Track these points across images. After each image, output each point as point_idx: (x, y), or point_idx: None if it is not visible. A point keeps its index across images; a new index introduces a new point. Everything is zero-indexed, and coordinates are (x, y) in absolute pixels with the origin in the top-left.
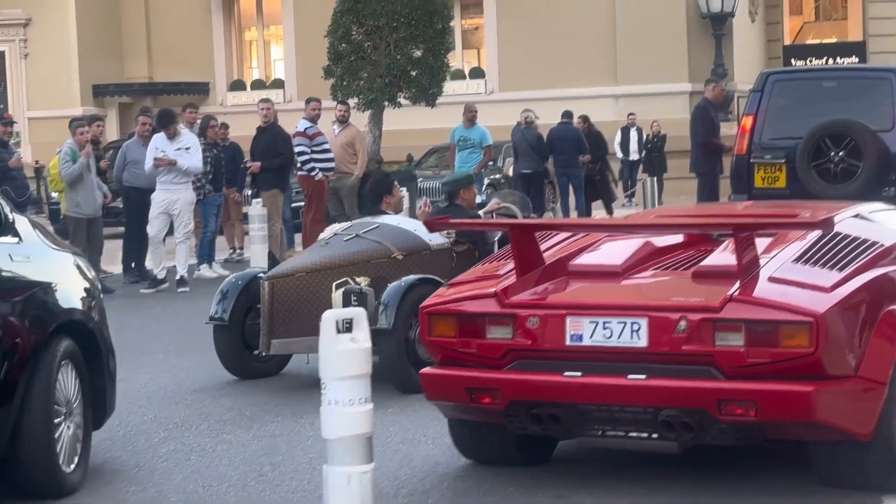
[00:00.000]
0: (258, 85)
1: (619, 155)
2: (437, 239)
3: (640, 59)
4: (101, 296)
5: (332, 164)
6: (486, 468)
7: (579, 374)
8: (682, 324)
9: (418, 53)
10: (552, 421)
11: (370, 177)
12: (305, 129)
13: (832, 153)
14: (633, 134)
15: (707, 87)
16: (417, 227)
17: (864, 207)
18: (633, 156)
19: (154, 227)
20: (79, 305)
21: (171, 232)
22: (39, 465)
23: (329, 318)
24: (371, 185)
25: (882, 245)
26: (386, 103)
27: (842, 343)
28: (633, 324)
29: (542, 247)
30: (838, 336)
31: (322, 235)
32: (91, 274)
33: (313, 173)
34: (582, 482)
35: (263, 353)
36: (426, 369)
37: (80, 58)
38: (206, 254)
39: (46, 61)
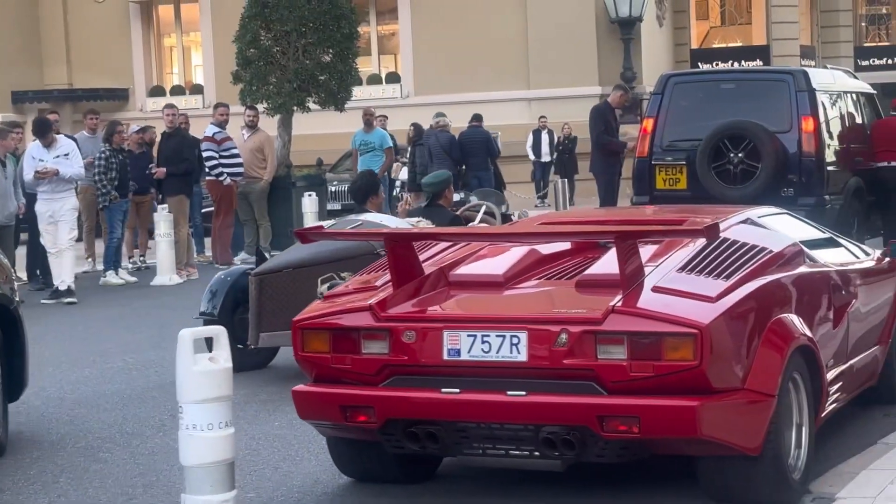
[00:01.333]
0: (177, 91)
1: (532, 157)
2: None
3: (552, 63)
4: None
5: (240, 169)
6: (365, 487)
7: (457, 390)
8: (563, 337)
9: (327, 58)
10: (430, 439)
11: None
12: (213, 134)
13: (731, 154)
14: (545, 136)
15: (613, 93)
16: (399, 225)
17: (755, 212)
18: (545, 158)
19: (48, 240)
20: (2, 290)
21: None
22: None
23: (186, 337)
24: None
25: (770, 251)
26: (295, 108)
27: (728, 355)
28: (512, 337)
29: (424, 256)
30: (724, 348)
31: None
32: (6, 262)
33: (221, 178)
34: (463, 500)
35: (252, 346)
36: (298, 387)
37: None
38: (112, 260)
39: None
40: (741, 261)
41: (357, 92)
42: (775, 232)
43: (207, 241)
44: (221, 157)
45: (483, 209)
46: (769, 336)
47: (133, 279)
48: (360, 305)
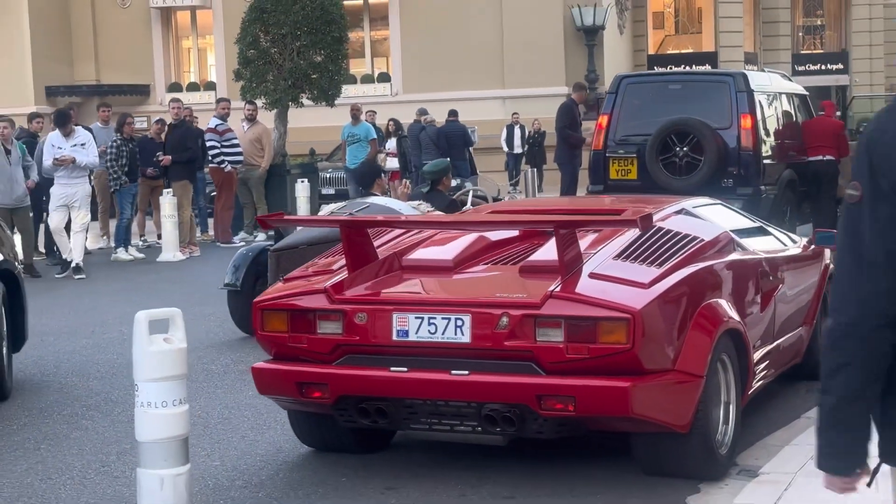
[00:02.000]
0: (193, 87)
1: (505, 149)
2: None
3: (524, 65)
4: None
5: (240, 158)
6: (323, 456)
7: (405, 369)
8: (504, 320)
9: (319, 59)
10: (379, 415)
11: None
12: (216, 125)
13: (677, 148)
14: (517, 131)
15: (575, 93)
16: (402, 208)
17: (690, 203)
18: (517, 150)
19: (55, 220)
20: (6, 256)
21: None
22: None
23: (141, 319)
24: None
25: (702, 240)
26: (290, 104)
27: (659, 338)
28: (457, 320)
29: (381, 241)
30: (656, 331)
31: (320, 213)
32: (7, 233)
33: (223, 165)
34: (414, 471)
35: None
36: (257, 364)
37: (34, 61)
38: (122, 238)
39: (2, 63)
40: (674, 249)
41: (352, 90)
42: (708, 222)
43: (210, 223)
44: (223, 146)
45: (471, 194)
46: (699, 320)
47: (141, 255)
48: (315, 288)
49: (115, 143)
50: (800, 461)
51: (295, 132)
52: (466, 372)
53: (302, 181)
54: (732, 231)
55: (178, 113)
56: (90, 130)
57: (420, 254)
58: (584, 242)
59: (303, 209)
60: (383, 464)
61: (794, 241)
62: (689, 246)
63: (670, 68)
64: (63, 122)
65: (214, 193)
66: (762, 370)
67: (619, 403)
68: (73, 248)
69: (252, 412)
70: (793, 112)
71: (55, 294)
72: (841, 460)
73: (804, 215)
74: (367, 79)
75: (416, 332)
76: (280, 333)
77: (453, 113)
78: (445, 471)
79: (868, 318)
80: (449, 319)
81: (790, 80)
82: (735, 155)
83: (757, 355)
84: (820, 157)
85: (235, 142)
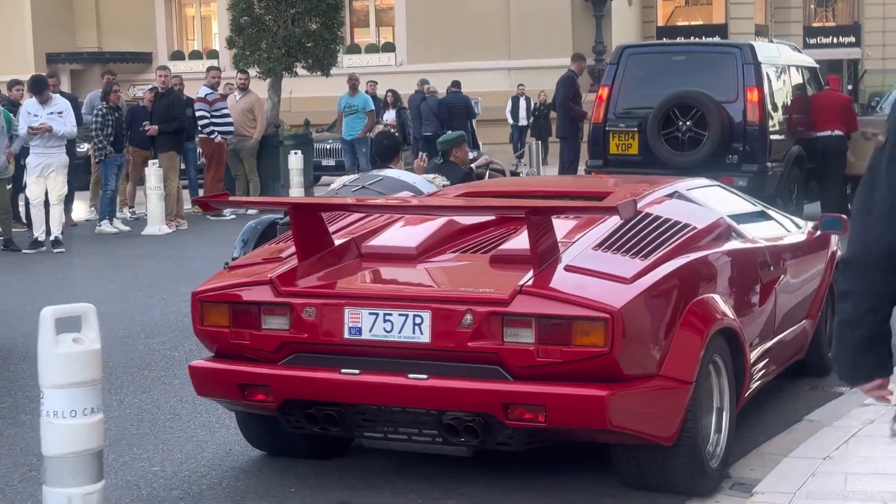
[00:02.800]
0: (195, 55)
1: (510, 121)
2: (432, 190)
3: (530, 36)
4: None
5: (231, 128)
6: (275, 463)
7: (357, 371)
8: (468, 318)
9: (314, 27)
10: (329, 421)
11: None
12: (206, 95)
13: (680, 123)
14: (522, 102)
15: (573, 63)
16: (417, 181)
17: (684, 185)
18: (522, 122)
19: (33, 192)
20: None
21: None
22: None
23: (47, 317)
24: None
25: (694, 227)
26: (284, 73)
27: (642, 340)
28: (415, 317)
29: (341, 224)
30: (638, 333)
31: (332, 186)
32: None
33: (212, 136)
34: (371, 481)
35: None
36: (195, 362)
37: (35, 28)
38: (106, 210)
39: (2, 30)
40: (662, 238)
41: (356, 59)
42: (703, 206)
43: (201, 194)
44: (213, 116)
45: (489, 167)
46: (688, 318)
47: (126, 228)
48: (260, 278)
49: (100, 112)
50: (798, 478)
51: (298, 102)
52: (425, 376)
53: (295, 153)
54: (730, 216)
55: (166, 81)
56: (69, 98)
57: (381, 240)
58: (562, 230)
59: (296, 181)
60: (339, 472)
61: (798, 227)
62: (680, 234)
63: (680, 40)
64: (39, 89)
65: (205, 164)
66: (760, 370)
67: (594, 414)
68: (52, 221)
69: (207, 407)
70: (802, 85)
71: (30, 269)
72: (848, 371)
73: (812, 193)
74: (372, 48)
75: (370, 330)
76: (221, 329)
77: (456, 84)
78: (406, 481)
79: (868, 255)
80: (406, 316)
81: (800, 51)
82: (740, 130)
83: (754, 354)
84: (829, 133)
85: (226, 111)
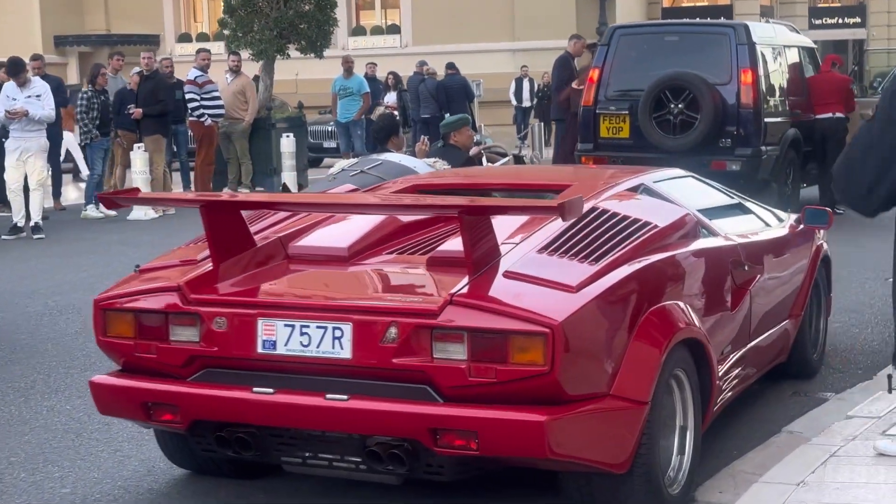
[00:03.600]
0: (203, 37)
1: (514, 102)
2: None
3: (535, 18)
4: None
5: (221, 111)
6: (197, 483)
7: (271, 391)
8: (392, 331)
9: (307, 7)
10: (241, 445)
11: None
12: (195, 77)
13: (672, 105)
14: (526, 84)
15: (570, 42)
16: (417, 165)
17: (651, 177)
18: (526, 103)
19: (10, 177)
20: None
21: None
22: None
23: None
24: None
25: (656, 226)
26: (278, 56)
27: (589, 356)
28: (335, 329)
29: (270, 221)
30: (584, 348)
31: (331, 171)
32: None
33: (202, 119)
34: (302, 502)
35: None
36: (96, 377)
37: (42, 11)
38: (92, 195)
39: (11, 14)
40: (617, 239)
41: (361, 41)
42: (667, 202)
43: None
44: (203, 99)
45: (486, 152)
46: (645, 330)
47: (113, 213)
48: (168, 284)
49: (85, 95)
50: None
51: (304, 84)
52: (345, 397)
53: (287, 136)
54: (702, 210)
55: (150, 64)
56: (53, 81)
57: (311, 240)
58: (506, 230)
59: (287, 164)
60: (266, 494)
61: (779, 220)
62: (639, 234)
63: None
64: (16, 71)
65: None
66: (733, 379)
67: (532, 441)
68: (32, 206)
69: None
70: (799, 66)
71: (2, 256)
72: None
73: (810, 177)
74: (377, 30)
75: (286, 344)
76: (125, 340)
77: (452, 66)
78: (336, 500)
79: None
80: (325, 329)
81: (797, 31)
82: (734, 112)
83: (726, 364)
84: (829, 115)
85: (216, 94)
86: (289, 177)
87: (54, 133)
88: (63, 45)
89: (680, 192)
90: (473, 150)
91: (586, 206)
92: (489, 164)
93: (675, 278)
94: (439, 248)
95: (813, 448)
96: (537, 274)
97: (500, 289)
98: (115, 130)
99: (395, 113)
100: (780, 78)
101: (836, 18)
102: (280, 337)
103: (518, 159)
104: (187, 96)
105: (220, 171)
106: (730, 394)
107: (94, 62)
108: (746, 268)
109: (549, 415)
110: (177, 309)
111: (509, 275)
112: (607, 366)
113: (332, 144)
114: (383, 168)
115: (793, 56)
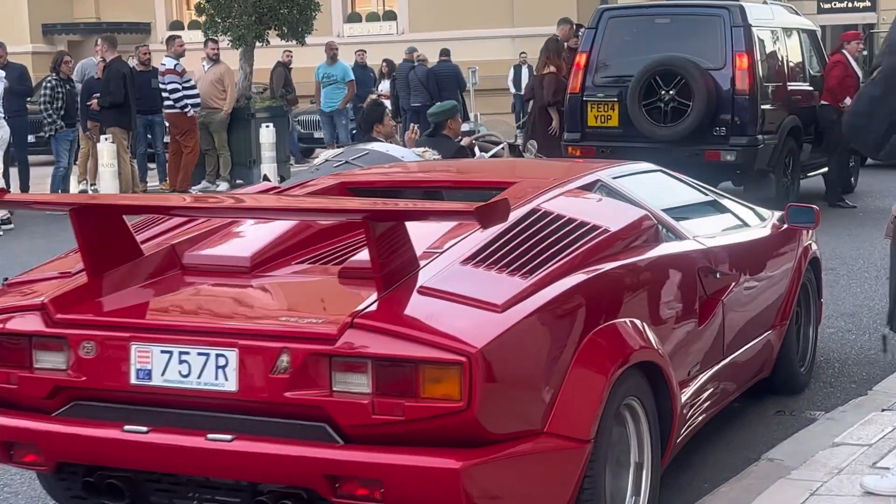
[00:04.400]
0: (194, 25)
1: (513, 90)
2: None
3: (534, 3)
4: None
5: (198, 100)
6: None
7: (145, 429)
8: (284, 359)
9: None
10: (112, 493)
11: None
12: (175, 66)
13: (663, 92)
14: (525, 71)
15: (559, 28)
16: (405, 154)
17: (611, 172)
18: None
19: None
20: None
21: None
22: None
23: None
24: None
25: (606, 230)
26: (258, 44)
27: (518, 387)
28: (218, 357)
29: (170, 225)
30: (511, 378)
31: (315, 161)
32: None
33: (186, 110)
34: None
35: None
36: None
37: None
38: (58, 188)
39: None
40: (559, 247)
41: (357, 28)
42: (625, 201)
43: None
44: (184, 88)
45: (482, 136)
46: (588, 354)
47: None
48: (32, 302)
49: (49, 84)
50: None
51: (300, 72)
52: (229, 437)
53: (267, 126)
54: (670, 210)
55: (102, 53)
56: (16, 70)
57: (209, 248)
58: (429, 237)
59: (267, 156)
60: None
61: (761, 219)
62: (585, 240)
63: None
64: None
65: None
66: (703, 403)
67: (446, 493)
68: None
69: None
70: (800, 50)
71: None
72: None
73: (810, 167)
74: (373, 17)
75: (163, 374)
76: None
77: (445, 52)
78: None
79: None
80: (207, 356)
81: (797, 13)
82: (728, 99)
83: (692, 387)
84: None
85: (192, 83)
86: (269, 169)
87: (20, 125)
88: (51, 33)
89: (643, 189)
90: (465, 140)
91: (526, 208)
92: (482, 153)
93: (628, 291)
94: (355, 258)
95: (792, 485)
96: (457, 290)
97: (412, 308)
98: (81, 121)
99: (387, 102)
100: (778, 62)
101: (846, 2)
102: (156, 365)
103: (513, 148)
104: (170, 86)
105: (197, 164)
106: (700, 418)
107: (58, 51)
108: (718, 275)
109: (465, 460)
110: (40, 331)
111: (425, 291)
112: (541, 398)
113: (322, 135)
114: (369, 158)
115: (792, 39)
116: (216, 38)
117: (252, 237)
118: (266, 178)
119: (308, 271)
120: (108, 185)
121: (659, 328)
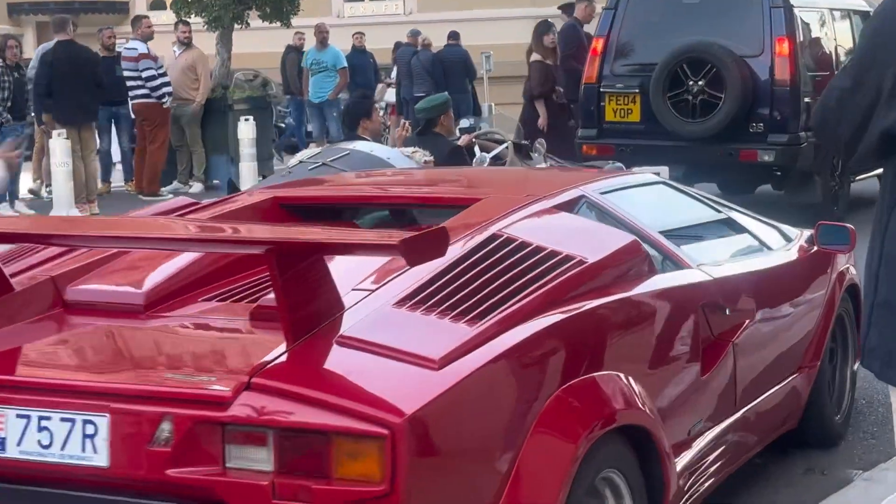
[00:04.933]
0: (180, 4)
1: None
2: (409, 166)
3: None
4: None
5: (170, 88)
6: None
7: None
8: (166, 427)
9: None
10: None
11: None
12: (148, 50)
13: (691, 82)
14: None
15: (578, 6)
16: (391, 156)
17: (601, 185)
18: None
19: None
20: None
21: None
22: None
23: None
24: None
25: (583, 261)
26: (237, 26)
27: (458, 463)
28: (85, 423)
29: (61, 250)
30: (449, 452)
31: (290, 162)
32: None
33: (163, 101)
34: None
35: None
36: None
37: None
38: (7, 190)
39: None
40: (521, 283)
41: (360, 8)
42: (612, 222)
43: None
44: (160, 75)
45: (483, 133)
46: (551, 417)
47: (30, 212)
48: None
49: None
50: None
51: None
52: None
53: (246, 119)
54: (670, 232)
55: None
56: None
57: (98, 281)
58: (362, 272)
59: (246, 153)
60: None
61: (787, 240)
62: (554, 274)
63: None
64: None
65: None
66: (709, 468)
67: None
68: None
69: None
70: (849, 35)
71: None
72: None
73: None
74: None
75: (19, 444)
76: None
77: (453, 35)
78: None
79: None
80: (72, 422)
81: None
82: (767, 91)
83: (693, 450)
84: None
85: (163, 70)
86: (248, 167)
87: None
88: (18, 13)
89: (639, 206)
90: (464, 139)
91: (485, 234)
92: (483, 153)
93: (608, 336)
94: (272, 296)
95: None
96: (385, 341)
97: (329, 364)
98: (35, 114)
99: (386, 90)
100: (823, 48)
101: None
102: (11, 432)
103: (520, 147)
104: (145, 74)
105: (168, 161)
106: (708, 483)
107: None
108: (728, 311)
109: None
110: None
111: (345, 342)
112: (490, 475)
113: (309, 128)
114: (351, 160)
115: (841, 22)
116: (188, 19)
117: (151, 267)
118: (232, 184)
119: (214, 311)
120: (61, 187)
121: (648, 381)
